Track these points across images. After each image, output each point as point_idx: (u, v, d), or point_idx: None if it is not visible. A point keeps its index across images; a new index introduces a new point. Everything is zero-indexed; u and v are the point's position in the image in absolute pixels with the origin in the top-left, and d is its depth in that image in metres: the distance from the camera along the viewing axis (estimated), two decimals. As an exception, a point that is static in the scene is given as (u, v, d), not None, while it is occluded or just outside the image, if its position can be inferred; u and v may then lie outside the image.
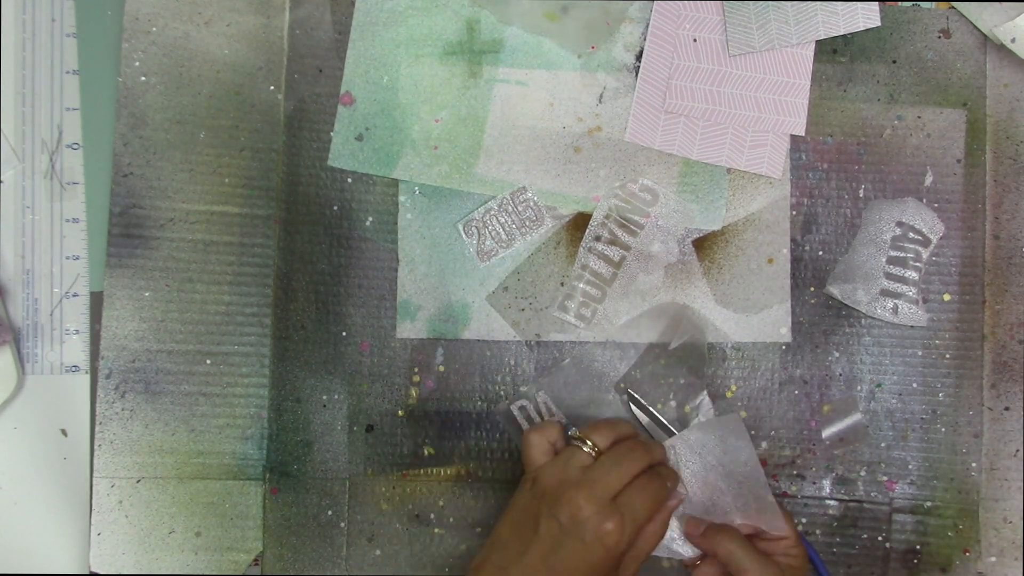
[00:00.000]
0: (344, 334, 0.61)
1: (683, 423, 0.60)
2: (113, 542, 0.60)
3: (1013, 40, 0.59)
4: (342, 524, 0.61)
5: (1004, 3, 0.60)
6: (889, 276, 0.61)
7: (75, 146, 0.62)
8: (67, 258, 0.62)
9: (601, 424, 0.54)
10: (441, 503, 0.61)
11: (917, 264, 0.61)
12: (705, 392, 0.61)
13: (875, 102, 0.61)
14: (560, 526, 0.50)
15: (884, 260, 0.61)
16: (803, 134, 0.61)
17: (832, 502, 0.61)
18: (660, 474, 0.53)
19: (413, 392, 0.61)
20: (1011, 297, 0.61)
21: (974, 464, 0.61)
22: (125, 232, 0.61)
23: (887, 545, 0.60)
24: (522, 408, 0.61)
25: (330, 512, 0.61)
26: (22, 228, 0.62)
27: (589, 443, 0.53)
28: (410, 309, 0.61)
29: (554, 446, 0.54)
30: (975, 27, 0.61)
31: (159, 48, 0.61)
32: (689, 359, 0.61)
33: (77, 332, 0.62)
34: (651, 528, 0.53)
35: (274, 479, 0.61)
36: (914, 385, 0.61)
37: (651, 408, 0.60)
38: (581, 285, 0.61)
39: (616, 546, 0.50)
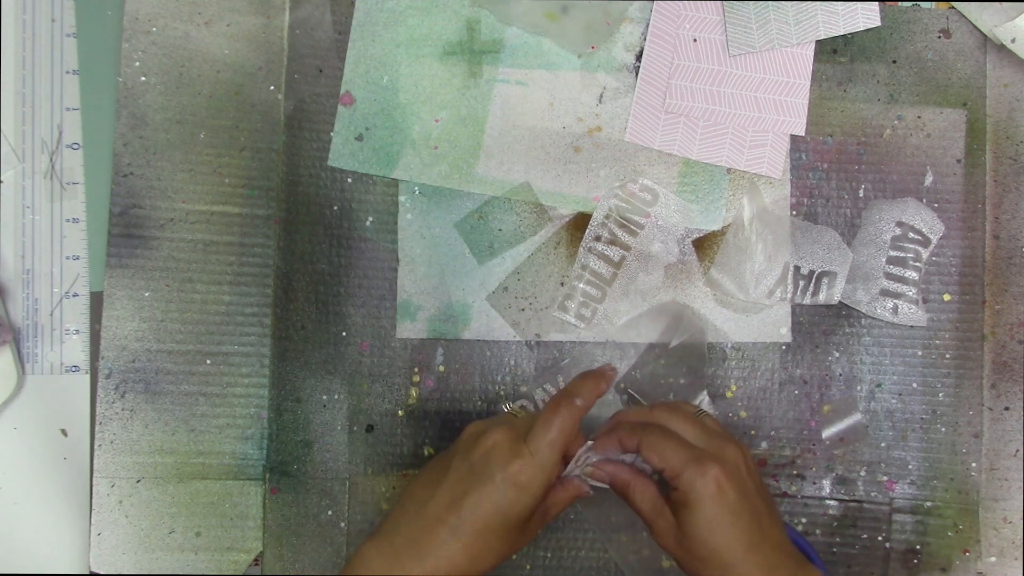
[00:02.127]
0: (344, 334, 0.61)
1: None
2: (113, 542, 0.60)
3: (1013, 40, 0.59)
4: (342, 524, 0.61)
5: (1004, 3, 0.60)
6: (889, 276, 0.61)
7: (75, 146, 0.62)
8: (67, 258, 0.62)
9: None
10: (441, 503, 0.61)
11: (917, 264, 0.61)
12: (705, 392, 0.61)
13: (875, 102, 0.61)
14: (471, 466, 0.48)
15: (884, 260, 0.61)
16: (803, 134, 0.61)
17: (832, 502, 0.61)
18: (571, 407, 0.49)
19: (413, 392, 0.61)
20: (1011, 297, 0.61)
21: (974, 464, 0.61)
22: (125, 232, 0.61)
23: (887, 545, 0.60)
24: (522, 408, 0.61)
25: (330, 512, 0.61)
26: (22, 228, 0.62)
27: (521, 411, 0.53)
28: (410, 309, 0.61)
29: None
30: (975, 27, 0.61)
31: (159, 48, 0.61)
32: (689, 359, 0.61)
33: (77, 332, 0.62)
34: (561, 495, 0.51)
35: (274, 479, 0.61)
36: (914, 385, 0.61)
37: (651, 408, 0.60)
38: (581, 285, 0.61)
39: (526, 489, 0.47)
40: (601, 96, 0.62)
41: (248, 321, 0.61)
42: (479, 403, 0.61)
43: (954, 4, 0.61)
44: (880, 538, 0.60)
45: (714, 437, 0.49)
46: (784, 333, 0.61)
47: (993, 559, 0.60)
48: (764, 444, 0.61)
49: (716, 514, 0.47)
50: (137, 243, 0.61)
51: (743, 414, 0.61)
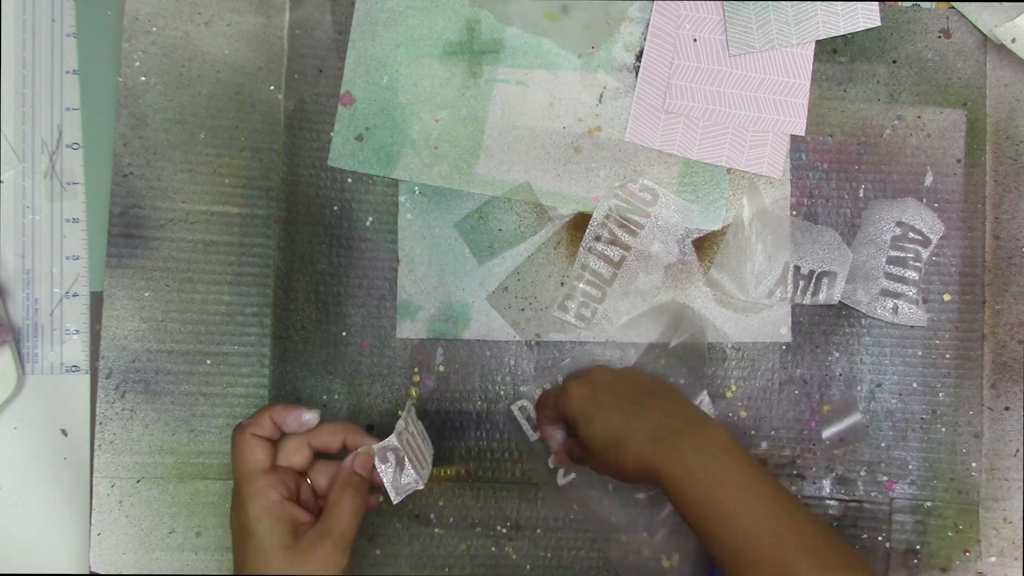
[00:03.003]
0: (344, 334, 0.61)
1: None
2: (113, 542, 0.60)
3: (1013, 40, 0.59)
4: (342, 524, 0.61)
5: (1004, 3, 0.60)
6: (889, 276, 0.61)
7: (75, 146, 0.62)
8: (67, 258, 0.62)
9: None
10: (441, 503, 0.61)
11: (917, 264, 0.61)
12: (705, 392, 0.61)
13: (875, 102, 0.61)
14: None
15: (884, 260, 0.61)
16: (803, 134, 0.61)
17: (832, 502, 0.61)
18: (238, 430, 0.52)
19: (413, 392, 0.61)
20: (1011, 297, 0.61)
21: (974, 464, 0.61)
22: (125, 232, 0.61)
23: (887, 545, 0.60)
24: (522, 408, 0.61)
25: (330, 512, 0.61)
26: (22, 228, 0.62)
27: None
28: (410, 309, 0.61)
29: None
30: (975, 27, 0.61)
31: (159, 48, 0.61)
32: (689, 359, 0.61)
33: (77, 332, 0.62)
34: (333, 498, 0.51)
35: (274, 479, 0.61)
36: (914, 385, 0.61)
37: (651, 408, 0.60)
38: (581, 285, 0.61)
39: (241, 461, 0.50)
40: (601, 96, 0.62)
41: (248, 321, 0.61)
42: (479, 403, 0.61)
43: (954, 4, 0.61)
44: (880, 538, 0.60)
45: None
46: (784, 333, 0.61)
47: (993, 559, 0.60)
48: (764, 444, 0.61)
49: (587, 411, 0.52)
50: (137, 243, 0.61)
51: (743, 414, 0.61)
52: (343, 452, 0.53)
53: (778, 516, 0.47)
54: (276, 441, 0.52)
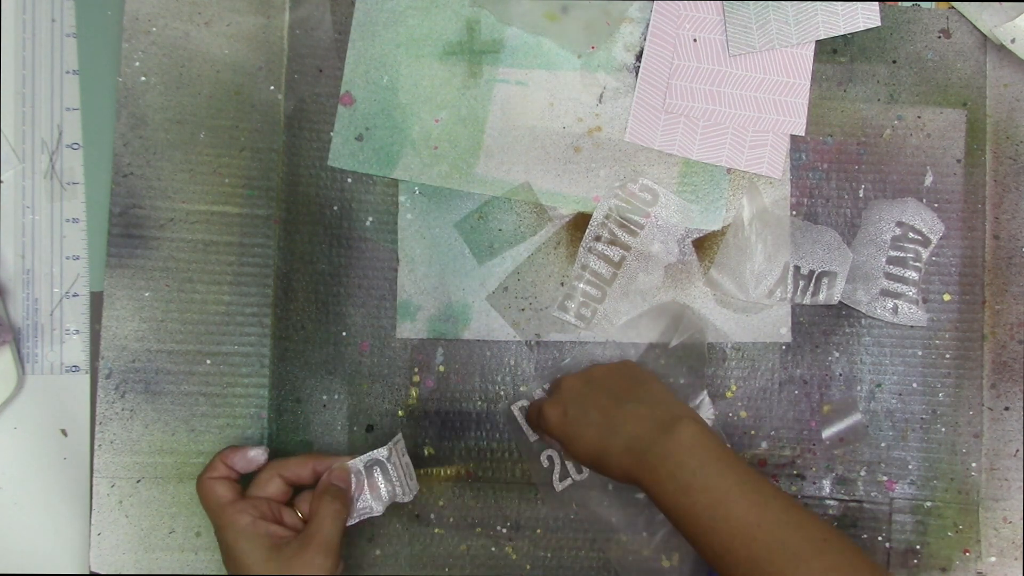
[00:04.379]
0: (344, 334, 0.61)
1: (683, 423, 0.60)
2: (113, 542, 0.60)
3: (1013, 40, 0.59)
4: (342, 524, 0.61)
5: (1004, 3, 0.61)
6: (889, 276, 0.61)
7: (75, 146, 0.62)
8: (67, 258, 0.62)
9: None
10: (441, 503, 0.61)
11: (917, 264, 0.61)
12: (705, 392, 0.61)
13: (875, 102, 0.61)
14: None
15: (884, 260, 0.61)
16: (803, 134, 0.61)
17: (832, 502, 0.61)
18: (202, 481, 0.56)
19: (413, 392, 0.61)
20: (1011, 297, 0.61)
21: (974, 464, 0.61)
22: (125, 232, 0.61)
23: (887, 545, 0.60)
24: (522, 408, 0.61)
25: (330, 512, 0.61)
26: (22, 228, 0.62)
27: None
28: (410, 309, 0.61)
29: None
30: (975, 27, 0.61)
31: (159, 48, 0.61)
32: (689, 359, 0.61)
33: (77, 332, 0.62)
34: (312, 507, 0.54)
35: (274, 479, 0.61)
36: (914, 385, 0.61)
37: (651, 408, 0.60)
38: (581, 285, 0.61)
39: (207, 503, 0.54)
40: (601, 96, 0.62)
41: (248, 321, 0.61)
42: (479, 403, 0.61)
43: (954, 4, 0.61)
44: (880, 538, 0.60)
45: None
46: (784, 333, 0.61)
47: (993, 559, 0.60)
48: (764, 444, 0.61)
49: (564, 432, 0.54)
50: (137, 243, 0.61)
51: (743, 414, 0.61)
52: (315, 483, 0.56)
53: (746, 515, 0.47)
54: (249, 477, 0.56)
